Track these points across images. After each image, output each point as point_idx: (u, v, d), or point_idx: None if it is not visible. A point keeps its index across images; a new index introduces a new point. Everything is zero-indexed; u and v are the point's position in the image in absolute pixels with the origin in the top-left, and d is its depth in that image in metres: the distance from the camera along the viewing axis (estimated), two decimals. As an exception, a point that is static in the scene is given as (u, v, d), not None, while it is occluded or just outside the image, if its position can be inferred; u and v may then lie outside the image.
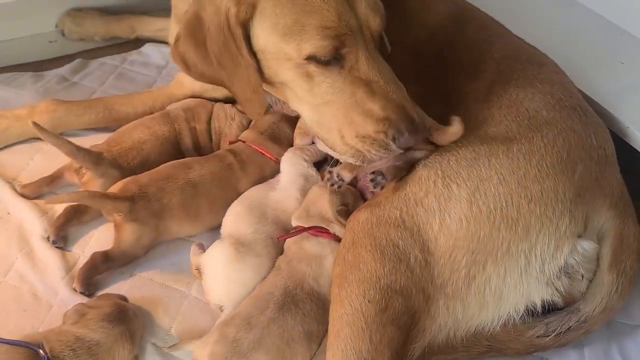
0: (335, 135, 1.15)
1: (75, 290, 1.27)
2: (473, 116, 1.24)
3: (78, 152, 1.37)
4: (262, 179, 1.44)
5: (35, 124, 1.34)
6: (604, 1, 1.84)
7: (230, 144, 1.50)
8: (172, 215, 1.33)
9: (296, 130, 1.50)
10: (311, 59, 1.10)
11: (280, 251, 1.30)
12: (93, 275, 1.29)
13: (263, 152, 1.46)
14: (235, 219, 1.33)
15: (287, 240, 1.30)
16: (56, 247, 1.34)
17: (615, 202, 1.18)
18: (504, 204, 1.08)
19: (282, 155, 1.46)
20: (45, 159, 1.54)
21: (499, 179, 1.10)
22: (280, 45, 1.11)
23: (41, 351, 1.06)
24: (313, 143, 1.48)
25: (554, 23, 1.86)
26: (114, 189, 1.33)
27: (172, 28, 1.60)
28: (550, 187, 1.10)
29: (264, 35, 1.13)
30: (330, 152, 1.26)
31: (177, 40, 1.23)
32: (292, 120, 1.54)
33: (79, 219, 1.38)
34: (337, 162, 1.32)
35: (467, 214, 1.08)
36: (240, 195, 1.39)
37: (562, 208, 1.09)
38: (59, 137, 1.39)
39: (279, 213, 1.34)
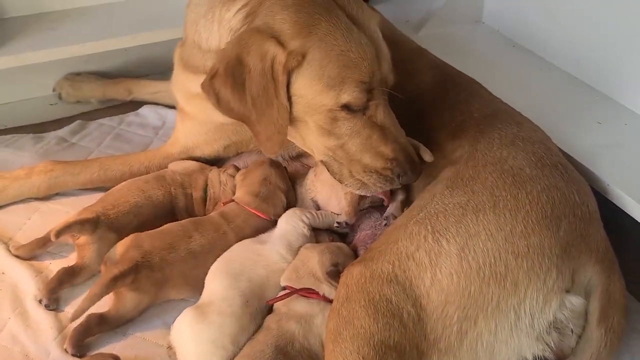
0: (344, 170, 1.32)
1: (67, 352, 1.25)
2: (459, 174, 1.28)
3: (74, 226, 1.37)
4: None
5: None
6: (579, 64, 1.93)
7: (224, 204, 1.50)
8: (173, 285, 1.34)
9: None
10: (345, 107, 1.26)
11: (253, 309, 1.27)
12: (85, 337, 1.27)
13: (259, 214, 1.46)
14: (211, 276, 1.32)
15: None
16: (49, 310, 1.34)
17: (600, 257, 1.20)
18: (492, 260, 1.11)
19: (278, 214, 1.46)
20: (43, 219, 1.56)
21: (486, 235, 1.13)
22: (321, 93, 1.25)
23: None
24: (319, 209, 1.49)
25: (531, 85, 1.95)
26: (118, 250, 1.33)
27: (176, 55, 1.61)
28: (537, 243, 1.12)
29: (305, 82, 1.25)
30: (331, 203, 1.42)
31: (213, 76, 1.30)
32: (279, 165, 1.55)
33: (71, 282, 1.37)
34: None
35: (458, 269, 1.10)
36: None
37: (549, 263, 1.12)
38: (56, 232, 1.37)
39: (258, 267, 1.32)
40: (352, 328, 1.09)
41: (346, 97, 1.24)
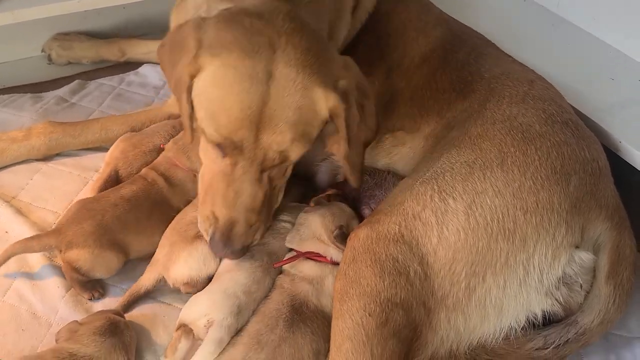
0: (200, 198, 1.27)
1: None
2: (467, 132, 1.26)
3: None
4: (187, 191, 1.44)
5: None
6: (594, 20, 1.89)
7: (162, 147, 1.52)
8: (121, 231, 1.32)
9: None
10: (204, 134, 1.18)
11: (263, 262, 1.27)
12: (82, 282, 1.30)
13: (177, 164, 1.46)
14: None
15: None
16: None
17: (610, 214, 1.19)
18: (500, 216, 1.10)
19: (194, 169, 1.43)
20: (45, 179, 1.55)
21: (494, 192, 1.12)
22: (197, 109, 1.17)
23: None
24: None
25: (544, 42, 1.91)
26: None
27: (172, 16, 1.57)
28: (546, 199, 1.11)
29: (195, 93, 1.16)
30: None
31: (162, 44, 1.27)
32: None
33: None
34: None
35: (465, 226, 1.09)
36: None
37: (558, 219, 1.11)
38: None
39: None
40: (358, 287, 1.09)
41: (204, 125, 1.16)
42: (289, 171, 1.27)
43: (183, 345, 1.16)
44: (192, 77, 1.15)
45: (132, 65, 2.02)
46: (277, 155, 1.16)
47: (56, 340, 1.17)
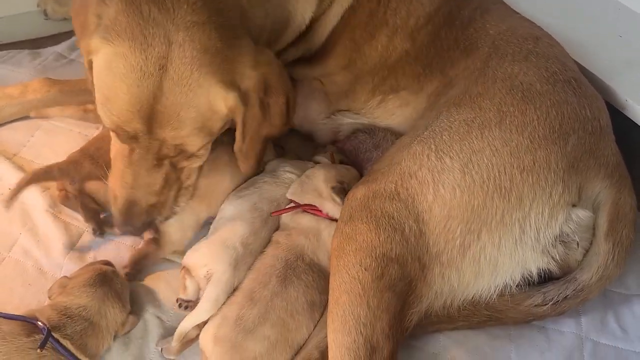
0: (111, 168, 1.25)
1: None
2: (467, 90, 1.24)
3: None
4: None
5: None
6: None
7: None
8: None
9: None
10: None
11: (263, 213, 1.29)
12: (95, 214, 1.33)
13: None
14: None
15: (283, 216, 1.31)
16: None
17: (610, 172, 1.19)
18: (496, 174, 1.10)
19: None
20: (46, 135, 1.55)
21: (491, 150, 1.11)
22: (94, 90, 1.14)
23: (39, 323, 1.09)
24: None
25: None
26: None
27: None
28: (543, 158, 1.11)
29: (93, 73, 1.14)
30: None
31: (73, 2, 1.23)
32: None
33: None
34: None
35: (461, 184, 1.10)
36: None
37: (555, 177, 1.11)
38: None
39: (266, 177, 1.37)
40: (354, 243, 1.11)
41: (98, 109, 1.14)
42: (203, 152, 1.24)
43: (189, 283, 1.20)
44: (89, 55, 1.12)
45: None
46: (173, 147, 1.15)
47: (49, 297, 1.20)
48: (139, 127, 1.12)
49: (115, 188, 1.21)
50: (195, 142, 1.15)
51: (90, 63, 1.14)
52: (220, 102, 1.13)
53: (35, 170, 1.33)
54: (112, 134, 1.21)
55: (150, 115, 1.10)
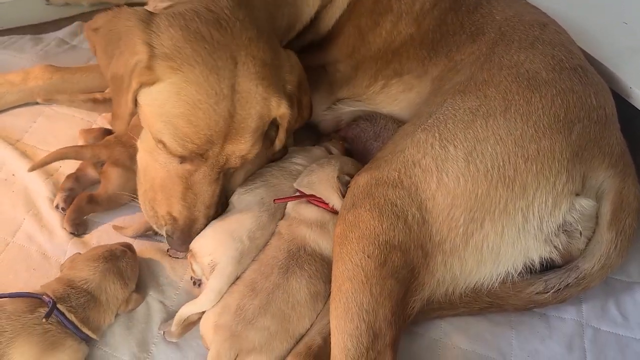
0: (142, 189, 1.26)
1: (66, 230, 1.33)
2: (472, 77, 1.24)
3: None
4: None
5: None
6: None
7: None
8: None
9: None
10: (162, 144, 1.16)
11: (270, 207, 1.29)
12: (80, 216, 1.33)
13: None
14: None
15: (287, 206, 1.31)
16: (75, 235, 1.35)
17: (614, 161, 1.19)
18: (500, 163, 1.10)
19: None
20: (49, 122, 1.55)
21: (496, 139, 1.11)
22: (152, 119, 1.14)
23: (45, 297, 1.11)
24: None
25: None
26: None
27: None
28: (547, 147, 1.11)
29: (147, 101, 1.13)
30: None
31: (95, 29, 1.21)
32: None
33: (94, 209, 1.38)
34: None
35: (465, 173, 1.10)
36: None
37: (559, 167, 1.11)
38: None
39: (274, 169, 1.37)
40: (357, 230, 1.11)
41: (165, 141, 1.13)
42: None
43: (196, 267, 1.22)
44: (144, 84, 1.11)
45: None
46: (240, 159, 1.19)
47: (60, 271, 1.24)
48: (213, 147, 1.15)
49: (172, 211, 1.21)
50: (256, 149, 1.20)
51: (136, 91, 1.12)
52: (275, 109, 1.19)
53: (68, 147, 1.36)
54: (161, 157, 1.19)
55: (226, 134, 1.15)
